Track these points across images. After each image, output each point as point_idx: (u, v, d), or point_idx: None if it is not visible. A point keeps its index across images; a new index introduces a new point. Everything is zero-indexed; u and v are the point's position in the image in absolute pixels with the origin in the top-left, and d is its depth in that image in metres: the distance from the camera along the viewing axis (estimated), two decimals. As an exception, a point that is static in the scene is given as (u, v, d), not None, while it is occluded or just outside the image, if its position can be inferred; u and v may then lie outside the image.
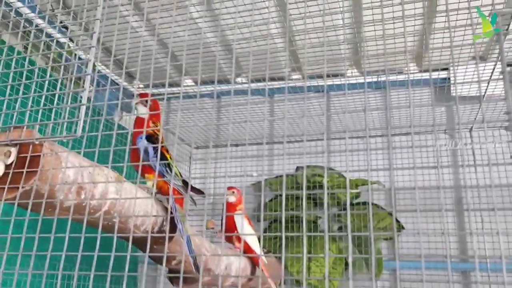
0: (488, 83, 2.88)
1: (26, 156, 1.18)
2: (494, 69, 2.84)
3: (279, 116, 3.90)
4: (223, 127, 3.96)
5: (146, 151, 1.83)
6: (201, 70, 1.45)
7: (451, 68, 3.32)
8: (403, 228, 3.59)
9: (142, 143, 1.83)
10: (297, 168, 3.88)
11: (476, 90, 3.37)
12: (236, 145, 3.94)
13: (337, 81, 3.47)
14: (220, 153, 4.15)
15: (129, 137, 1.69)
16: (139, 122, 1.88)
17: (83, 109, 1.13)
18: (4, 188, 1.14)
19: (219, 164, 4.07)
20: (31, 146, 1.18)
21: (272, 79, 3.79)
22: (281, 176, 3.79)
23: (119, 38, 1.41)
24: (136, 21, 2.86)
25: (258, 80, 3.64)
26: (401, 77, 3.46)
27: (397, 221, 3.60)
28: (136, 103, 1.86)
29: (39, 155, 1.18)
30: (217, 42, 3.05)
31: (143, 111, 1.88)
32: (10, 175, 1.16)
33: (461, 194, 3.50)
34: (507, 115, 0.86)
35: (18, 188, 1.15)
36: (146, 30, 3.04)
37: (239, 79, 3.89)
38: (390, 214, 3.64)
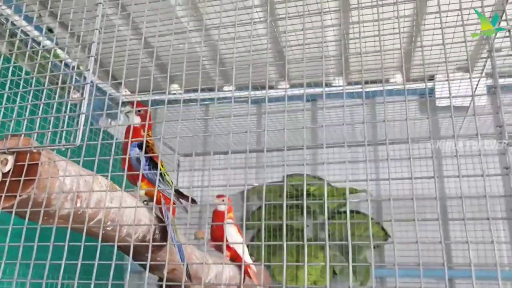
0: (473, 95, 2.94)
1: (23, 165, 1.18)
2: (478, 81, 2.92)
3: (269, 125, 3.93)
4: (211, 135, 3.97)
5: (138, 160, 1.83)
6: (191, 77, 1.46)
7: (437, 79, 3.40)
8: (389, 236, 3.64)
9: (134, 151, 1.84)
10: (286, 177, 3.90)
11: (462, 101, 3.45)
12: (225, 153, 3.96)
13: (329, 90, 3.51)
14: (208, 161, 4.15)
15: (114, 145, 1.69)
16: (130, 131, 1.88)
17: (82, 117, 1.14)
18: (1, 196, 1.14)
19: (207, 172, 4.07)
20: (28, 155, 1.18)
21: (259, 87, 3.82)
22: (269, 184, 3.81)
23: (105, 40, 1.40)
24: (125, 27, 2.87)
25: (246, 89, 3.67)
26: (388, 87, 3.52)
27: (383, 229, 3.65)
28: (128, 112, 1.87)
29: (37, 163, 1.18)
30: (202, 43, 3.07)
31: (136, 121, 1.89)
32: (7, 183, 1.15)
33: (445, 203, 3.56)
34: (499, 128, 0.89)
35: (15, 196, 1.15)
36: (133, 37, 3.05)
37: (226, 88, 3.92)
38: (377, 223, 3.69)
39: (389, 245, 3.63)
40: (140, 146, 1.84)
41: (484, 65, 2.93)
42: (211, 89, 3.80)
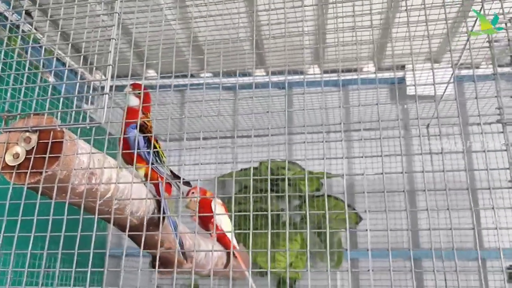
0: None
1: (46, 142, 1.21)
2: (453, 72, 3.09)
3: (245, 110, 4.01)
4: (191, 120, 4.01)
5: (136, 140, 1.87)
6: (166, 62, 1.50)
7: (408, 69, 3.57)
8: (361, 219, 3.81)
9: (133, 133, 1.88)
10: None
11: (429, 90, 3.64)
12: (206, 138, 4.02)
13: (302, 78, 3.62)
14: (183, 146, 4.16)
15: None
16: (130, 112, 1.91)
17: (106, 97, 1.18)
18: (26, 172, 1.18)
19: (183, 157, 4.10)
20: (52, 133, 1.21)
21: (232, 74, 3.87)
22: (245, 169, 3.90)
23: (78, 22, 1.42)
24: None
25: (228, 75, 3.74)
26: (362, 76, 3.67)
27: (356, 212, 3.81)
28: (127, 93, 1.89)
29: (59, 142, 1.22)
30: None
31: (135, 102, 1.92)
32: (31, 161, 1.19)
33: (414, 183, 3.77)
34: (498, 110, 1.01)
35: (39, 173, 1.19)
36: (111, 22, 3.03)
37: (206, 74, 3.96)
38: (349, 206, 3.85)
39: (361, 227, 3.81)
40: (139, 128, 1.87)
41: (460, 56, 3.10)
42: (186, 76, 3.83)
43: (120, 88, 2.10)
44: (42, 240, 1.19)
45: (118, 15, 1.27)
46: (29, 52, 1.46)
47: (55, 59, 1.45)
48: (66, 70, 1.55)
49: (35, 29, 2.80)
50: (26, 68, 1.39)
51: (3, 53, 1.42)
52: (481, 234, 3.57)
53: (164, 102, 3.78)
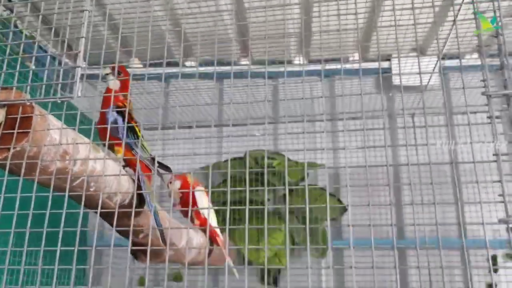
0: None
1: (15, 118, 1.16)
2: (438, 62, 3.09)
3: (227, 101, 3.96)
4: (172, 110, 3.96)
5: (115, 123, 1.82)
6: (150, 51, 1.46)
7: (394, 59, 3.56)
8: (346, 209, 3.80)
9: (111, 114, 1.83)
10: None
11: (414, 80, 3.64)
12: (189, 127, 3.97)
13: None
14: (167, 135, 4.11)
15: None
16: (107, 97, 1.86)
17: (78, 71, 1.14)
18: (-6, 148, 1.13)
19: (167, 146, 4.05)
20: (21, 108, 1.16)
21: (221, 63, 3.82)
22: (234, 159, 3.87)
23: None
24: None
25: (207, 64, 3.70)
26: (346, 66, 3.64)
27: (340, 202, 3.80)
28: (107, 74, 1.85)
29: (29, 117, 1.17)
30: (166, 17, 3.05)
31: (115, 84, 1.87)
32: (-1, 136, 1.14)
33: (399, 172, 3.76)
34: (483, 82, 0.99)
35: (7, 149, 1.14)
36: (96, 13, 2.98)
37: (188, 63, 3.91)
38: (333, 195, 3.84)
39: (345, 217, 3.80)
40: (119, 112, 1.83)
41: (444, 47, 3.10)
42: (171, 64, 3.77)
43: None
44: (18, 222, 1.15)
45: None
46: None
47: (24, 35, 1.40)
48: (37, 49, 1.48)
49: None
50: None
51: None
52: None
53: (148, 91, 3.73)
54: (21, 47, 1.37)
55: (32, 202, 1.19)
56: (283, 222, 3.69)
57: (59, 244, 1.13)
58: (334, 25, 2.98)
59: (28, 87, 1.20)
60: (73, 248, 1.13)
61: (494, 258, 3.52)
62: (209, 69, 3.60)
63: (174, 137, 3.65)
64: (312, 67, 3.77)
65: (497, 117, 1.08)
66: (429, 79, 3.40)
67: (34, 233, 1.15)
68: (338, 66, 3.59)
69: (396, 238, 3.86)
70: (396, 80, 3.75)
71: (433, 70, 3.46)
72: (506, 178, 1.02)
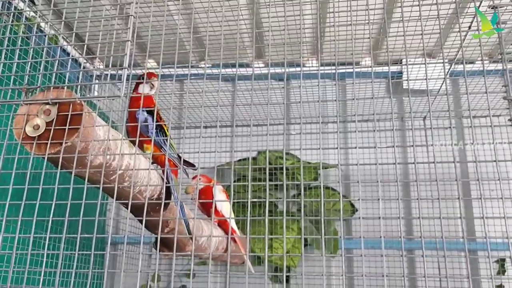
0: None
1: (65, 115, 1.25)
2: (451, 66, 3.17)
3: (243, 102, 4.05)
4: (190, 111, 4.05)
5: (145, 123, 1.92)
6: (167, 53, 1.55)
7: (405, 64, 3.63)
8: (356, 210, 3.88)
9: (142, 115, 1.92)
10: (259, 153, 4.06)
11: (433, 84, 3.72)
12: (206, 127, 4.07)
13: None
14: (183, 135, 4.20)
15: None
16: (137, 99, 1.96)
17: (125, 72, 1.22)
18: (46, 143, 1.22)
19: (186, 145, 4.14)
20: (71, 105, 1.25)
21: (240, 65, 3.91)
22: (244, 159, 3.95)
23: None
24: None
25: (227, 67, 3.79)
26: (358, 70, 3.72)
27: (352, 204, 3.88)
28: (146, 83, 1.97)
29: (78, 114, 1.25)
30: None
31: (150, 92, 1.99)
32: (51, 132, 1.23)
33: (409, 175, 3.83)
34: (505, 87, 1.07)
35: (58, 144, 1.23)
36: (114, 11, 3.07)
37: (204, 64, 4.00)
38: (345, 197, 3.92)
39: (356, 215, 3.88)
40: (148, 112, 1.92)
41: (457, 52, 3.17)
42: (187, 66, 3.86)
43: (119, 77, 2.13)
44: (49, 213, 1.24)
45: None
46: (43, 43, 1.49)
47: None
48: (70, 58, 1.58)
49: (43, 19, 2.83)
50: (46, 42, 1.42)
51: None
52: (473, 225, 3.64)
53: (164, 92, 3.82)
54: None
55: (70, 194, 1.27)
56: (295, 222, 3.77)
57: (79, 232, 1.23)
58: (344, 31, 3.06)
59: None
60: (91, 235, 1.22)
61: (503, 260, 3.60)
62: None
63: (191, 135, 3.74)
64: (324, 69, 3.85)
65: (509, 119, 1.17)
66: (441, 84, 3.48)
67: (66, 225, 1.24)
68: (351, 70, 3.69)
69: (405, 237, 3.94)
70: (407, 85, 3.83)
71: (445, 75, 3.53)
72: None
